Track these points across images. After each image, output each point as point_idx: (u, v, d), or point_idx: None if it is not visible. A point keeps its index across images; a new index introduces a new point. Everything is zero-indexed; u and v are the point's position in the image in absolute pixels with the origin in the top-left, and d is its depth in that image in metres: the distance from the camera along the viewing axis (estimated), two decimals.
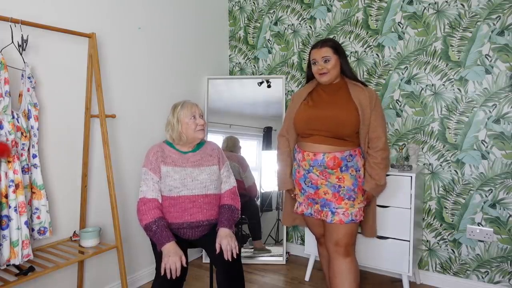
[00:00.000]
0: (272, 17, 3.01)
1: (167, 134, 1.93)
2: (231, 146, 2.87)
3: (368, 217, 1.98)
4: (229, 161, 2.11)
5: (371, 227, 2.00)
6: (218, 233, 1.78)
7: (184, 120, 1.87)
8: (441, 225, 2.40)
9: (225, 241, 1.72)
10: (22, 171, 1.63)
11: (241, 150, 2.88)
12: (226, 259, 1.69)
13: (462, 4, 2.24)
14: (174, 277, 1.60)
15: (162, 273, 1.61)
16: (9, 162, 1.56)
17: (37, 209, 1.72)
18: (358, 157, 1.82)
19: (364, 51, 2.60)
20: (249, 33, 3.15)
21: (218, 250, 1.72)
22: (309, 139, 1.83)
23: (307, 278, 2.54)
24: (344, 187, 1.79)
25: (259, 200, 2.87)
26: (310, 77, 1.96)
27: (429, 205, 2.43)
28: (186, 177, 1.84)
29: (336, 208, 1.79)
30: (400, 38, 2.46)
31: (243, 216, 2.82)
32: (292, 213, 2.08)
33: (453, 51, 2.29)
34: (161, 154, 1.87)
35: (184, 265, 1.65)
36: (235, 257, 1.72)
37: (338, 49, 1.84)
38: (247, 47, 3.16)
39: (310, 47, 2.80)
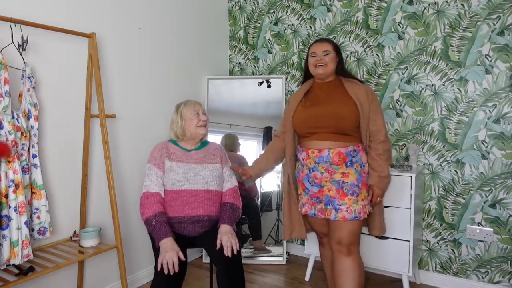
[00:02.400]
0: (272, 17, 3.01)
1: (172, 132, 2.00)
2: (230, 144, 2.86)
3: (375, 215, 1.96)
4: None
5: (379, 225, 1.97)
6: (219, 229, 1.80)
7: (189, 116, 1.94)
8: (441, 225, 2.40)
9: (226, 237, 1.73)
10: (22, 171, 1.63)
11: (241, 149, 2.88)
12: (226, 255, 1.70)
13: (462, 4, 2.24)
14: (171, 272, 1.60)
15: (159, 268, 1.62)
16: (9, 162, 1.56)
17: (37, 209, 1.72)
18: (362, 153, 1.84)
19: (364, 51, 2.60)
20: (249, 33, 3.15)
21: (218, 246, 1.73)
22: (312, 137, 1.84)
23: (307, 278, 2.54)
24: (347, 182, 1.79)
25: (259, 200, 2.87)
26: (306, 75, 1.98)
27: (429, 205, 2.43)
28: (189, 172, 1.89)
29: (340, 205, 1.79)
30: (400, 38, 2.46)
31: (243, 216, 2.82)
32: (289, 226, 2.01)
33: (453, 51, 2.29)
34: (166, 151, 1.93)
35: (183, 259, 1.66)
36: (235, 254, 1.73)
37: (337, 48, 1.90)
38: (247, 47, 3.16)
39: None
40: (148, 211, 1.77)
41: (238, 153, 2.87)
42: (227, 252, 1.70)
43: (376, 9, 2.54)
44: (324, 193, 1.84)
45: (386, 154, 1.83)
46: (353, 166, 1.80)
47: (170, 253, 1.63)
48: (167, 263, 1.61)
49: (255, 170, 2.04)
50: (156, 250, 1.75)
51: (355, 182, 1.80)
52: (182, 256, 1.66)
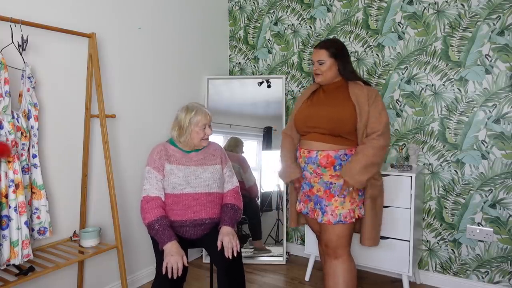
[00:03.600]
0: (272, 17, 3.01)
1: (174, 132, 1.90)
2: (233, 146, 2.86)
3: (366, 224, 1.85)
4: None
5: (369, 235, 1.85)
6: (220, 231, 1.79)
7: (195, 128, 1.85)
8: (441, 225, 2.40)
9: (227, 238, 1.73)
10: (22, 171, 1.63)
11: (244, 151, 2.87)
12: (227, 256, 1.70)
13: (462, 4, 2.24)
14: (175, 276, 1.60)
15: (164, 272, 1.61)
16: (9, 162, 1.56)
17: (37, 209, 1.72)
18: None
19: (364, 51, 2.60)
20: (249, 33, 3.15)
21: (219, 247, 1.73)
22: (307, 136, 1.86)
23: (307, 278, 2.54)
24: (335, 183, 1.78)
25: (259, 200, 2.87)
26: None
27: (429, 205, 2.43)
28: (189, 175, 1.86)
29: (326, 206, 1.79)
30: (400, 38, 2.46)
31: (243, 216, 2.82)
32: (295, 214, 2.07)
33: (453, 51, 2.29)
34: (165, 153, 1.88)
35: (186, 264, 1.65)
36: (235, 255, 1.72)
37: (336, 53, 1.82)
38: (247, 47, 3.16)
39: (310, 47, 2.83)
40: (150, 216, 1.74)
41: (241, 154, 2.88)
42: (228, 254, 1.70)
43: (376, 9, 2.54)
44: (314, 193, 1.86)
45: (372, 151, 1.70)
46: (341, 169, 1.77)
47: (176, 257, 1.62)
48: (171, 267, 1.60)
49: (295, 167, 1.93)
50: (158, 252, 1.75)
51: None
52: (186, 261, 1.65)
